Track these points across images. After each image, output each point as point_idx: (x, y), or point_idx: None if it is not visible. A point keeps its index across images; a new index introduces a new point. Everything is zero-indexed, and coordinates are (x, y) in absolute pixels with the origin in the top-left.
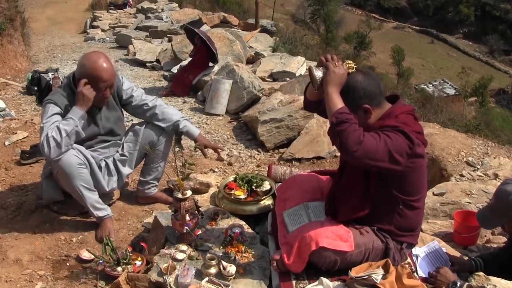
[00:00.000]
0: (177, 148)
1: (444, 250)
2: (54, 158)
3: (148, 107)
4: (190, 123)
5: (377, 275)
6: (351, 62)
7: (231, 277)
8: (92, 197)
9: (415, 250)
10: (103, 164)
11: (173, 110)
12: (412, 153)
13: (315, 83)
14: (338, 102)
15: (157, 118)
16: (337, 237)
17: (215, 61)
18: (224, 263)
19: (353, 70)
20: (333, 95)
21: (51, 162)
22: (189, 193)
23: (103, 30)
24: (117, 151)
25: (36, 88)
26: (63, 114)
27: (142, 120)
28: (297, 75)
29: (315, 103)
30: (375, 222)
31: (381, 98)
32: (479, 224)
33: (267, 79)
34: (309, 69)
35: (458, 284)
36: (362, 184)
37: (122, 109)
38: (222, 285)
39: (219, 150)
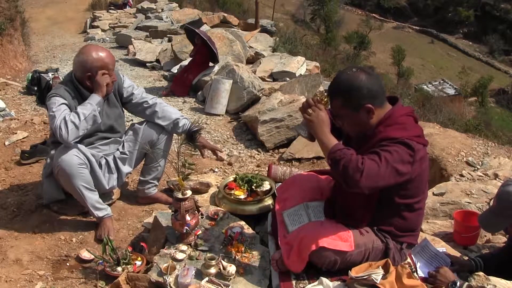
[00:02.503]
0: (193, 149)
1: (444, 250)
2: (71, 141)
3: (148, 104)
4: (189, 122)
5: (377, 275)
6: (321, 96)
7: (231, 277)
8: (92, 197)
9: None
10: (103, 161)
11: (172, 109)
12: (414, 160)
13: (307, 138)
14: (328, 143)
15: (157, 116)
16: (337, 237)
17: (215, 61)
18: (224, 263)
19: (326, 103)
20: (322, 138)
21: (52, 162)
22: (189, 193)
23: (103, 30)
24: (118, 149)
25: (36, 88)
26: (69, 106)
27: (142, 120)
28: (297, 75)
29: None
30: (375, 223)
31: (384, 98)
32: (482, 228)
33: (267, 79)
34: (296, 130)
35: (458, 284)
36: (364, 197)
37: (123, 107)
38: (222, 285)
39: (217, 151)
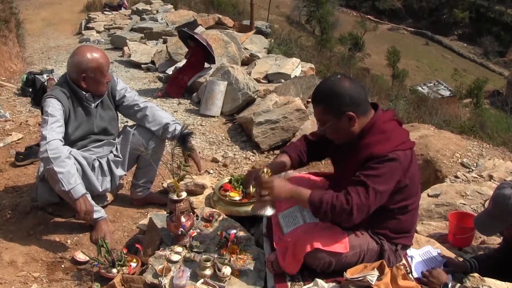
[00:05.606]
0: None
1: (439, 252)
2: (40, 155)
3: (139, 107)
4: (180, 127)
5: (372, 276)
6: (264, 169)
7: (226, 279)
8: None
9: (410, 252)
10: (96, 164)
11: (164, 113)
12: (404, 170)
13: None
14: (301, 196)
15: (147, 120)
16: (332, 239)
17: (212, 62)
18: (219, 265)
19: (269, 174)
20: (295, 196)
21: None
22: (184, 194)
23: (98, 32)
24: (111, 151)
25: (31, 90)
26: (64, 110)
27: (135, 123)
28: (292, 77)
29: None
30: (370, 226)
31: (367, 106)
32: (477, 231)
33: (262, 81)
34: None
35: (450, 286)
36: None
37: (116, 110)
38: (217, 286)
39: (199, 167)
